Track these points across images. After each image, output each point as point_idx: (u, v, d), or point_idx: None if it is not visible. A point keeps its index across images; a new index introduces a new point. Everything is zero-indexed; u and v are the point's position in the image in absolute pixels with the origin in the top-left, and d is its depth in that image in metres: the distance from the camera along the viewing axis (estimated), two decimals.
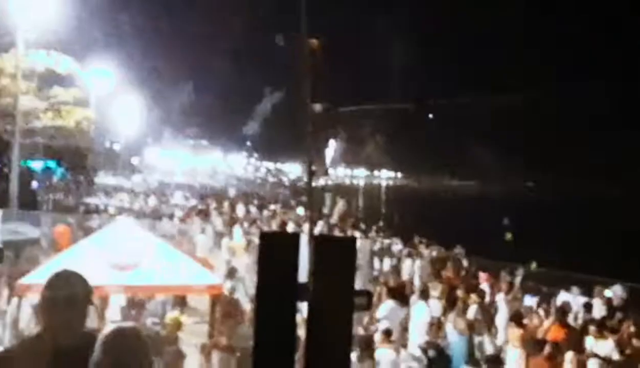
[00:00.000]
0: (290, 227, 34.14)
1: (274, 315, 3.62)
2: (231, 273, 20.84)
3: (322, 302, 3.57)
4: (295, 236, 3.73)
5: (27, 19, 31.36)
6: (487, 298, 20.95)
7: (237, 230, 33.67)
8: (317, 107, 5.36)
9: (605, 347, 15.69)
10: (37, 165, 54.91)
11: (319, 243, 3.65)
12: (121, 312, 16.58)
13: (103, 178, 69.17)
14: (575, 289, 22.37)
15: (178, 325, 15.02)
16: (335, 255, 3.61)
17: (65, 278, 4.87)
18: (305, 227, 33.77)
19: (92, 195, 55.67)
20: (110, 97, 58.83)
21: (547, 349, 13.89)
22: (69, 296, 4.70)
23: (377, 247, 32.35)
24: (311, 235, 3.69)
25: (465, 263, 28.74)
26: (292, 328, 3.68)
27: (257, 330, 3.64)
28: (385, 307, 17.70)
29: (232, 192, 77.68)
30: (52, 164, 56.11)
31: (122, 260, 14.63)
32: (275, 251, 3.65)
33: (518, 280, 24.04)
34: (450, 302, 20.18)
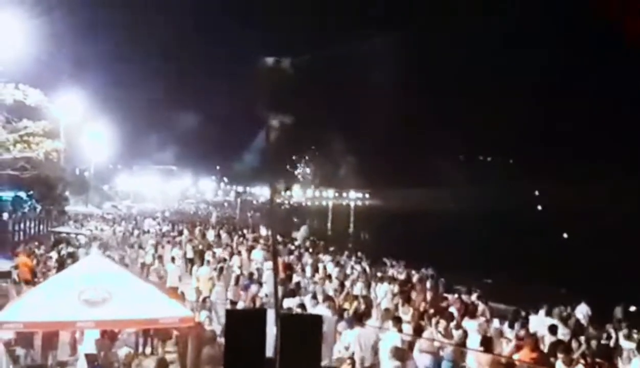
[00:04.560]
0: (260, 255, 34.25)
1: None
2: (203, 303, 20.96)
3: None
4: (261, 312, 3.87)
5: None
6: (455, 322, 21.08)
7: (207, 256, 33.75)
8: (274, 121, 5.48)
9: None
10: (7, 196, 54.97)
11: (284, 321, 3.81)
12: (95, 343, 16.73)
13: (74, 206, 68.84)
14: (541, 312, 22.61)
15: (130, 362, 15.24)
16: (301, 332, 3.76)
17: None
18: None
19: (62, 224, 55.61)
20: (80, 126, 58.90)
21: None
22: None
23: (348, 270, 32.45)
24: (277, 313, 3.79)
25: (429, 284, 28.85)
26: None
27: None
28: (353, 334, 17.84)
29: (202, 217, 77.63)
30: (22, 194, 56.06)
31: (93, 295, 14.76)
32: (242, 328, 3.77)
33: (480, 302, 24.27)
34: (421, 327, 20.31)
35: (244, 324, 3.78)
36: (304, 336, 3.76)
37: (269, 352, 3.78)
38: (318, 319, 4.08)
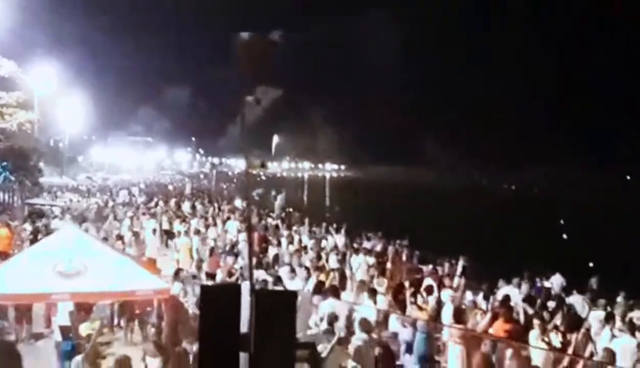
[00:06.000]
0: (234, 226, 34.22)
1: (217, 366, 3.73)
2: (176, 275, 20.81)
3: (262, 354, 3.68)
4: (236, 287, 3.85)
5: None
6: (434, 294, 21.17)
7: (183, 228, 33.72)
8: (250, 99, 5.42)
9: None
10: None
11: (259, 296, 3.78)
12: (70, 316, 16.62)
13: (48, 178, 68.41)
14: (515, 280, 22.75)
15: (89, 337, 15.13)
16: (275, 308, 3.74)
17: None
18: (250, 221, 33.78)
19: (36, 196, 55.30)
20: (54, 97, 58.48)
21: (485, 346, 14.17)
22: None
23: (323, 242, 32.44)
24: (252, 288, 3.75)
25: (404, 256, 28.95)
26: None
27: None
28: (327, 306, 17.88)
29: (178, 189, 77.45)
30: None
31: (68, 267, 14.68)
32: (216, 303, 3.74)
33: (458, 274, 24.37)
34: (397, 299, 20.38)
35: (218, 299, 3.75)
36: (278, 312, 3.74)
37: (245, 327, 3.76)
38: (292, 295, 4.04)
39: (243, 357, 3.77)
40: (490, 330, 16.59)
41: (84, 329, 16.00)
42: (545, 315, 18.28)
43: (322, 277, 22.56)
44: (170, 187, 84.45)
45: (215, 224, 36.12)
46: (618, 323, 17.27)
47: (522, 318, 18.51)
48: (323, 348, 13.47)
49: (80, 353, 13.00)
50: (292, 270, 22.29)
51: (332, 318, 15.81)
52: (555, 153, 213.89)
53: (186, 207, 48.09)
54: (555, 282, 24.95)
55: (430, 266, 26.97)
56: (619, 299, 20.48)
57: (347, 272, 24.44)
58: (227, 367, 3.74)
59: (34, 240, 25.92)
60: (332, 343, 13.73)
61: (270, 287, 19.49)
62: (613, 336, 16.49)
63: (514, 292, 21.25)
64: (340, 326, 16.92)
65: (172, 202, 52.21)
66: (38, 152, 58.08)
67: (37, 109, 43.29)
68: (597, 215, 72.91)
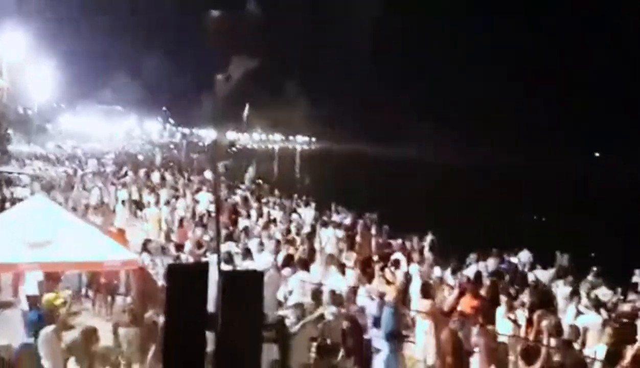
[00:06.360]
0: (206, 198, 34.04)
1: (183, 345, 3.69)
2: (144, 246, 20.73)
3: (230, 333, 3.67)
4: (203, 266, 3.82)
5: None
6: (404, 268, 21.21)
7: (152, 198, 33.60)
8: (219, 77, 5.34)
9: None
10: None
11: (226, 277, 3.76)
12: (38, 285, 16.52)
13: (17, 145, 67.89)
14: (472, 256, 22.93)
15: (55, 308, 14.98)
16: (242, 288, 3.72)
17: None
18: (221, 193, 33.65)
19: (4, 164, 54.86)
20: (23, 65, 57.93)
21: (453, 322, 14.23)
22: None
23: (293, 215, 32.42)
24: (219, 269, 3.72)
25: (374, 230, 28.89)
26: (200, 357, 3.79)
27: (165, 360, 3.72)
28: (296, 279, 17.91)
29: (147, 159, 77.05)
30: None
31: (35, 237, 14.59)
32: (183, 283, 3.72)
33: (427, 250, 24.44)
34: (366, 272, 20.39)
35: (185, 279, 3.73)
36: (246, 292, 3.72)
37: (212, 306, 3.75)
38: (259, 275, 4.02)
39: (210, 336, 3.75)
40: (458, 306, 16.66)
41: (49, 300, 15.92)
42: (511, 290, 18.43)
43: (292, 250, 22.54)
44: (140, 157, 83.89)
45: (184, 195, 35.96)
46: (584, 300, 17.40)
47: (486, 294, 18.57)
48: (291, 324, 13.47)
49: (51, 324, 12.89)
50: (261, 243, 22.29)
51: (317, 293, 15.87)
52: (556, 153, 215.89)
53: (156, 177, 47.81)
54: (523, 258, 25.07)
55: (400, 240, 26.99)
56: (590, 277, 20.66)
57: (316, 245, 24.39)
58: (194, 347, 3.73)
59: (1, 209, 25.75)
60: (308, 319, 13.76)
61: (239, 259, 19.53)
62: (579, 312, 16.60)
63: (480, 268, 21.37)
64: (324, 302, 16.93)
65: (142, 172, 51.82)
66: (7, 119, 57.70)
67: (6, 76, 42.91)
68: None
